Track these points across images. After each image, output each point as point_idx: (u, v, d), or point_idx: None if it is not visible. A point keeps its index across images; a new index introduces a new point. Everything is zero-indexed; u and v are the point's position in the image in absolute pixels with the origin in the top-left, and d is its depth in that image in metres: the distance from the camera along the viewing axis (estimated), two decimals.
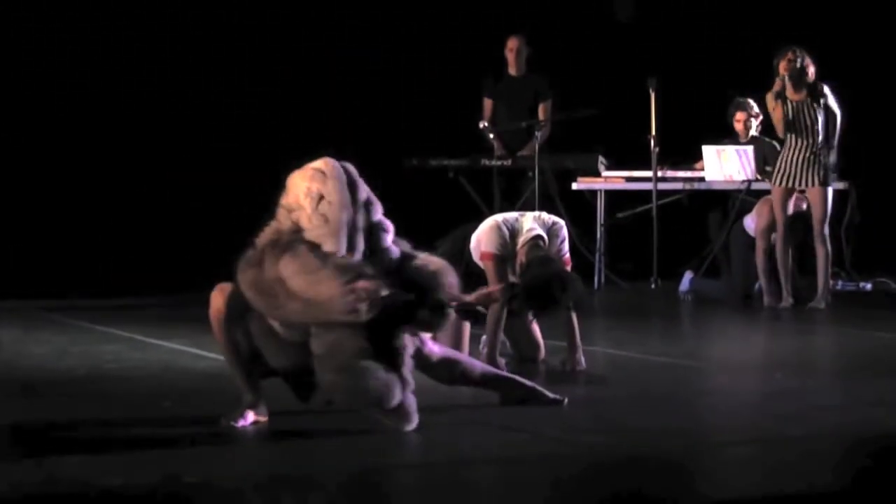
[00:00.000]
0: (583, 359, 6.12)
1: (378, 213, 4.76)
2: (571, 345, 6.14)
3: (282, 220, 4.70)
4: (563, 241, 6.15)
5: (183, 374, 6.05)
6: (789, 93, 9.09)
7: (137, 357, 6.55)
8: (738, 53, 11.04)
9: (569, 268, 6.11)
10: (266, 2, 10.81)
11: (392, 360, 4.61)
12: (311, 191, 4.66)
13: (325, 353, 4.56)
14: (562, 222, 6.22)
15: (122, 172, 10.35)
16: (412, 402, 4.64)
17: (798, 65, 9.08)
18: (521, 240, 6.01)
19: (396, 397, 4.58)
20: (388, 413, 4.59)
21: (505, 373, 5.44)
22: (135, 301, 9.26)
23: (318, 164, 4.73)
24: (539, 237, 5.99)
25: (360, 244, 4.68)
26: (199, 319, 8.19)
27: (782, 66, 9.10)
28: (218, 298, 4.79)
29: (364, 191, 4.74)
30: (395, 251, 4.77)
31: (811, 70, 9.12)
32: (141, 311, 8.82)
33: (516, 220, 6.13)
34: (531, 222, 6.07)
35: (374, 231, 4.73)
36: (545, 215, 6.23)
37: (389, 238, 4.77)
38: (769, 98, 9.20)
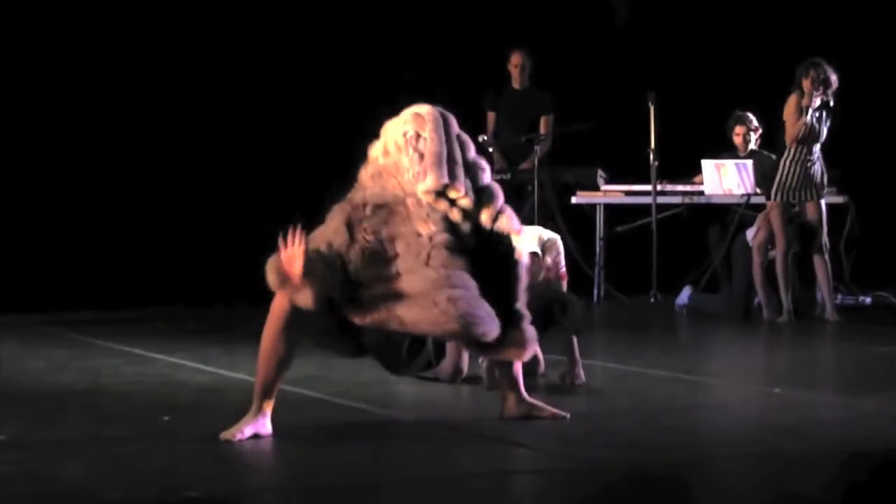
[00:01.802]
0: (582, 373, 6.12)
1: (472, 152, 4.83)
2: (571, 359, 6.14)
3: (362, 181, 4.77)
4: (558, 255, 6.16)
5: (182, 388, 6.04)
6: (810, 104, 9.10)
7: (137, 371, 6.55)
8: (737, 67, 11.05)
9: (565, 282, 6.12)
10: (265, 19, 10.81)
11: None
12: (406, 132, 4.76)
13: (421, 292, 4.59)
14: (556, 238, 6.23)
15: (121, 185, 10.34)
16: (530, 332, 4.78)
17: (822, 77, 9.08)
18: None
19: (494, 330, 4.63)
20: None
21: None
22: (134, 315, 9.26)
23: (413, 108, 4.83)
24: (533, 254, 5.98)
25: (462, 176, 4.74)
26: (198, 333, 8.25)
27: (807, 85, 9.08)
28: (285, 296, 4.70)
29: (456, 129, 4.82)
30: (497, 190, 4.83)
31: (834, 83, 9.13)
32: (140, 325, 8.82)
33: None
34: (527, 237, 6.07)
35: (471, 169, 4.80)
36: (542, 231, 6.24)
37: (487, 176, 4.84)
38: (792, 102, 9.14)
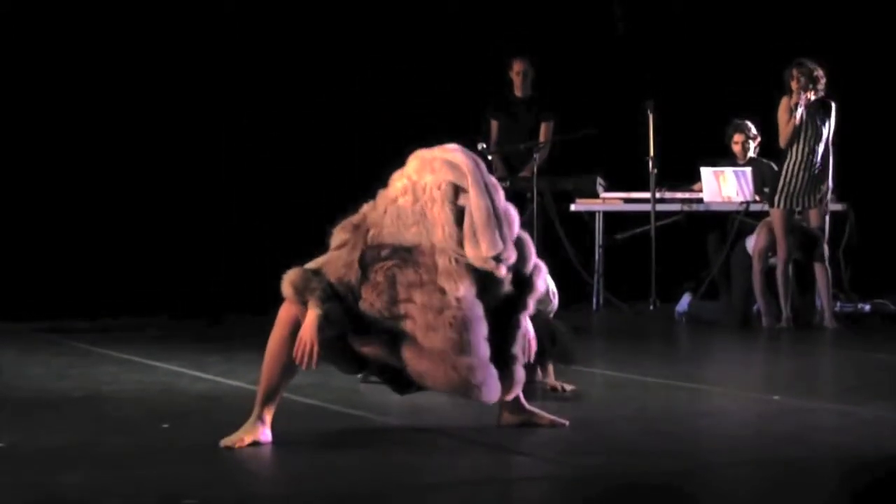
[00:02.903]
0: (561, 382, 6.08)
1: (502, 200, 4.75)
2: (546, 368, 6.11)
3: (378, 217, 4.71)
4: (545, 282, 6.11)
5: (182, 395, 6.04)
6: (798, 102, 9.11)
7: (136, 379, 6.54)
8: (736, 76, 11.06)
9: (556, 300, 6.05)
10: (265, 19, 10.82)
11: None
12: (441, 185, 4.68)
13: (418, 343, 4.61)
14: (539, 263, 6.15)
15: (120, 193, 10.34)
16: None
17: (807, 75, 9.11)
18: None
19: (496, 394, 4.68)
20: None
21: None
22: (133, 323, 9.25)
23: (444, 152, 4.74)
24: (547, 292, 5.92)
25: (508, 236, 4.69)
26: (197, 341, 8.24)
27: (794, 85, 9.12)
28: (293, 306, 4.72)
29: (487, 176, 4.73)
30: (529, 242, 4.81)
31: (821, 78, 9.16)
32: (139, 332, 8.81)
33: None
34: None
35: (503, 220, 4.72)
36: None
37: (517, 226, 4.78)
38: (783, 106, 9.19)
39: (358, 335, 4.69)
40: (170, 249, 10.31)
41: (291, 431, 4.90)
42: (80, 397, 5.98)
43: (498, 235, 4.63)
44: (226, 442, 4.69)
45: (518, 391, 4.90)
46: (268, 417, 4.78)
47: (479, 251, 4.61)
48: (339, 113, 10.77)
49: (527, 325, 4.92)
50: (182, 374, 6.73)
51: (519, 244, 4.76)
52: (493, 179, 4.77)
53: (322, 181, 10.12)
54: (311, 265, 4.74)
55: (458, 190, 4.67)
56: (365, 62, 10.96)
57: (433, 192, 4.67)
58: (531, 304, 4.87)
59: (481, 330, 4.64)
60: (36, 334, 8.59)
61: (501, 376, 4.74)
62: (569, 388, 6.06)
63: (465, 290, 4.62)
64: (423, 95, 10.97)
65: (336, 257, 4.71)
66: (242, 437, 4.71)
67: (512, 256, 4.69)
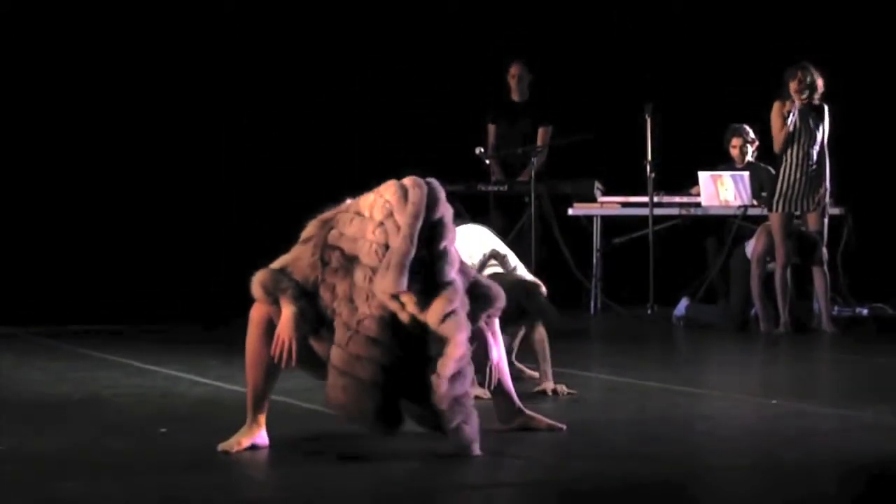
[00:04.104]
0: (556, 383, 6.07)
1: (446, 241, 4.62)
2: (543, 370, 6.11)
3: (344, 219, 4.68)
4: (512, 266, 6.08)
5: (180, 399, 6.04)
6: (791, 109, 9.12)
7: (134, 383, 6.54)
8: (734, 80, 11.07)
9: (513, 260, 6.01)
10: (265, 19, 10.83)
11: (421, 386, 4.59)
12: (388, 204, 4.61)
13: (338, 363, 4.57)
14: (506, 252, 6.11)
15: (117, 198, 10.34)
16: (473, 427, 4.59)
17: (808, 81, 9.13)
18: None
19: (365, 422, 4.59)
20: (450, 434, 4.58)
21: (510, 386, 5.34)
22: (131, 327, 9.24)
23: (409, 179, 4.65)
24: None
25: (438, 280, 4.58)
26: (195, 344, 8.24)
27: (793, 87, 9.14)
28: (264, 306, 4.73)
29: (441, 211, 4.61)
30: (456, 290, 4.62)
31: (820, 87, 9.17)
32: (137, 336, 8.81)
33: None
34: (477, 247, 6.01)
35: (438, 260, 4.60)
36: (494, 244, 6.12)
37: (453, 272, 4.63)
38: (775, 111, 9.20)
39: (316, 338, 4.70)
40: (168, 252, 10.32)
41: (289, 435, 4.90)
42: (78, 401, 5.98)
43: (405, 279, 4.54)
44: (223, 446, 4.69)
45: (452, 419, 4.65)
46: (262, 420, 4.77)
47: (382, 286, 4.56)
48: (338, 113, 10.77)
49: (495, 351, 4.89)
50: (181, 378, 6.73)
51: (445, 287, 4.59)
52: (446, 217, 4.63)
53: (321, 182, 10.12)
54: (276, 264, 4.74)
55: (391, 215, 4.61)
56: (365, 62, 10.97)
57: (374, 211, 4.66)
58: (481, 316, 4.80)
59: (374, 353, 4.57)
60: (34, 338, 8.58)
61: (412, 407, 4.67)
62: (567, 391, 6.06)
63: (371, 310, 4.58)
64: (423, 96, 10.98)
65: (300, 256, 4.71)
66: (240, 441, 4.71)
67: (412, 302, 4.56)
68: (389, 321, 4.58)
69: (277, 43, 10.74)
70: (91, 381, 6.57)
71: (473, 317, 4.70)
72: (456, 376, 4.54)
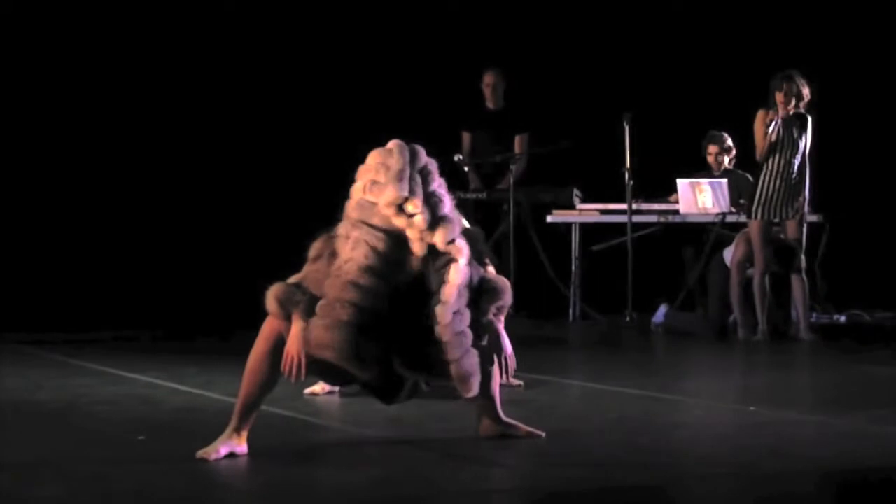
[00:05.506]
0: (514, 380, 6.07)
1: (434, 184, 4.78)
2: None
3: (347, 214, 4.78)
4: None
5: (158, 408, 6.02)
6: (775, 119, 9.15)
7: (112, 391, 6.52)
8: (712, 87, 11.08)
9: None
10: (266, 19, 10.83)
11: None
12: (373, 164, 4.78)
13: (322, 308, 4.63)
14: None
15: (100, 206, 10.32)
16: (473, 361, 4.70)
17: (795, 91, 9.15)
18: None
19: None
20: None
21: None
22: (109, 335, 9.21)
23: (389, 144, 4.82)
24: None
25: (420, 193, 4.71)
26: (174, 353, 8.21)
27: (779, 97, 9.16)
28: (276, 321, 4.76)
29: (423, 161, 4.79)
30: (455, 219, 4.79)
31: (806, 96, 9.20)
32: (115, 344, 8.78)
33: None
34: None
35: (430, 199, 4.74)
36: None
37: (446, 207, 4.78)
38: (759, 119, 9.22)
39: None
40: (149, 261, 10.29)
41: (268, 444, 4.90)
42: (56, 409, 5.96)
43: (406, 186, 4.67)
44: (201, 453, 4.69)
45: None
46: (244, 430, 4.78)
47: (385, 197, 4.67)
48: (339, 117, 10.75)
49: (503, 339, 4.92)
50: (159, 385, 6.72)
51: (444, 218, 4.76)
52: (430, 166, 4.80)
53: (321, 186, 10.11)
54: (292, 280, 4.78)
55: (385, 165, 4.76)
56: (364, 62, 10.97)
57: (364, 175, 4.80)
58: (490, 309, 4.87)
59: (349, 295, 4.64)
60: (12, 346, 8.55)
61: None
62: (516, 382, 6.02)
63: (357, 255, 4.67)
64: (422, 96, 10.98)
65: (314, 270, 4.74)
66: (218, 449, 4.71)
67: (418, 205, 4.69)
68: (375, 266, 4.67)
69: (277, 43, 10.74)
70: (69, 389, 6.55)
71: (483, 310, 4.81)
72: (455, 314, 4.67)
